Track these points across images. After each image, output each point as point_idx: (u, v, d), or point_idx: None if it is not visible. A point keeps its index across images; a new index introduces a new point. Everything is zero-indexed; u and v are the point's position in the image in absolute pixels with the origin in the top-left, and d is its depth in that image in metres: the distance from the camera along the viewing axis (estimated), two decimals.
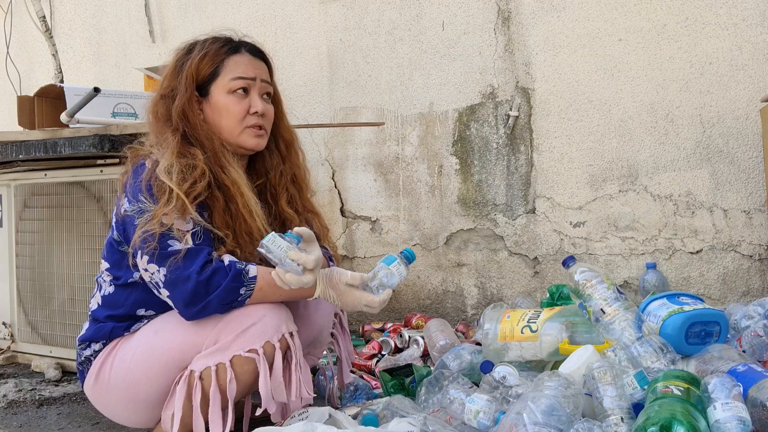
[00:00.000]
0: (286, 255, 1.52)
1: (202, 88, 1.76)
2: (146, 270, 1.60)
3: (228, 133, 1.75)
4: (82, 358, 1.75)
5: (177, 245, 1.56)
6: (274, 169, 1.86)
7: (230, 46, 1.78)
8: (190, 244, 1.57)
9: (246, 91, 1.76)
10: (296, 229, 1.57)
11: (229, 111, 1.75)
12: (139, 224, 1.58)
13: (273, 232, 1.54)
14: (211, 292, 1.55)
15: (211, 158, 1.68)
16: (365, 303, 1.64)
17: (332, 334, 1.95)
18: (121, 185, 1.70)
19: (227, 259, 1.59)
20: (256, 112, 1.76)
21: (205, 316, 1.58)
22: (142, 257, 1.59)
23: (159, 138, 1.70)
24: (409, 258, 1.67)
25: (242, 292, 1.58)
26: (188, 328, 1.61)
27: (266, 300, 1.61)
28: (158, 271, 1.57)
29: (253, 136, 1.77)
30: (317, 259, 1.56)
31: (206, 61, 1.76)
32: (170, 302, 1.60)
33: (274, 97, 1.86)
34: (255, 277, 1.58)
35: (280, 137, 1.89)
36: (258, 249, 1.54)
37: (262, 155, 1.86)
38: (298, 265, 1.53)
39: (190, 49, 1.79)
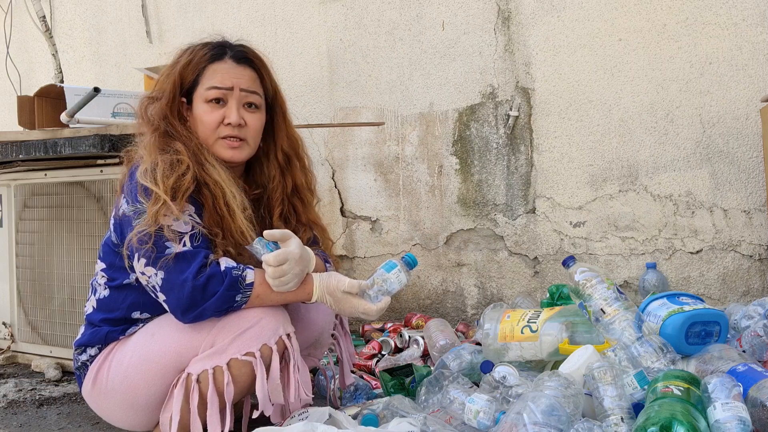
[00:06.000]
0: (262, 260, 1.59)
1: (189, 95, 1.74)
2: (143, 273, 1.59)
3: (204, 142, 1.72)
4: (79, 363, 1.75)
5: (173, 247, 1.55)
6: (272, 181, 1.81)
7: (213, 53, 1.74)
8: (188, 246, 1.56)
9: (222, 101, 1.71)
10: (265, 232, 1.59)
11: (202, 120, 1.71)
12: (135, 225, 1.57)
13: (257, 239, 1.59)
14: (207, 299, 1.54)
15: (191, 156, 1.65)
16: (362, 311, 1.64)
17: (333, 336, 1.95)
18: (120, 188, 1.70)
19: (224, 263, 1.57)
20: (230, 124, 1.70)
21: (200, 320, 1.58)
22: (139, 260, 1.58)
23: (142, 138, 1.71)
24: (410, 264, 1.65)
25: (238, 299, 1.57)
26: (184, 331, 1.61)
27: (263, 304, 1.61)
28: (155, 274, 1.56)
29: (226, 147, 1.71)
30: (285, 252, 1.57)
31: (190, 68, 1.73)
32: (166, 306, 1.59)
33: (273, 104, 1.81)
34: (252, 284, 1.58)
35: (279, 148, 1.82)
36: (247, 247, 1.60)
37: (260, 165, 1.82)
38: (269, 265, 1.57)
39: (183, 53, 1.77)
